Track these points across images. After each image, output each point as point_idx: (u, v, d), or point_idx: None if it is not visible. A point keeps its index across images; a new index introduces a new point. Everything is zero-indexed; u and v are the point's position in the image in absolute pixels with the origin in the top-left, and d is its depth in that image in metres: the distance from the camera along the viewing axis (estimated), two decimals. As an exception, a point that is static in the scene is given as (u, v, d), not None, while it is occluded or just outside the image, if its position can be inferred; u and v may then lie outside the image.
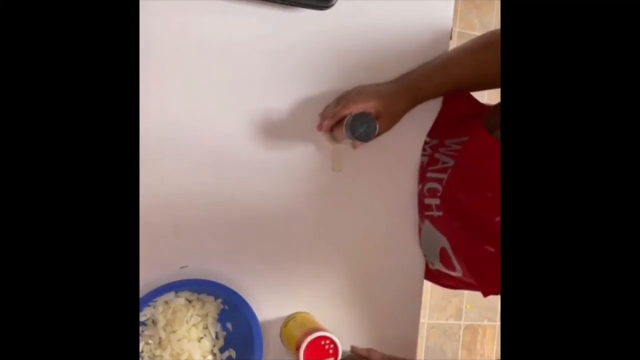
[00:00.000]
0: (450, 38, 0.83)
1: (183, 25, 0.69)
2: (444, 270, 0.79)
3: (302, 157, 0.75)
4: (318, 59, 0.75)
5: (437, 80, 0.74)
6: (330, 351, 0.66)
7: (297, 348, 0.66)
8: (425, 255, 0.81)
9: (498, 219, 0.65)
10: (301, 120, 0.74)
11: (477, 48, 0.74)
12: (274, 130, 0.73)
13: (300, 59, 0.74)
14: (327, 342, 0.66)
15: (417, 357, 0.82)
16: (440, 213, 0.75)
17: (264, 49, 0.72)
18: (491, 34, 0.74)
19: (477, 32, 1.84)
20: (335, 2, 0.71)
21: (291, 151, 0.74)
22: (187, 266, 0.70)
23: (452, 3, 0.80)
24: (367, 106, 0.69)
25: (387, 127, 0.73)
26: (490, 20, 1.87)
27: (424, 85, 0.74)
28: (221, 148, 0.72)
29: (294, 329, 0.71)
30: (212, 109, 0.71)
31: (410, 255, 0.80)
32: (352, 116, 0.65)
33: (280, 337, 0.74)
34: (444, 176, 0.74)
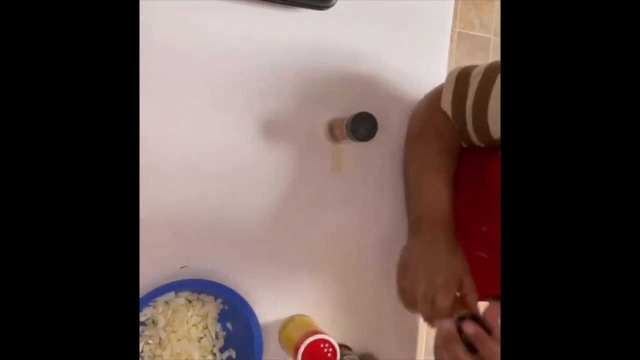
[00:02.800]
0: (450, 38, 0.83)
1: (182, 24, 0.69)
2: None
3: (302, 156, 0.75)
4: (318, 59, 0.75)
5: (444, 197, 0.69)
6: (329, 354, 0.66)
7: (296, 350, 0.65)
8: None
9: (485, 228, 0.65)
10: (301, 120, 0.74)
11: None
12: (274, 130, 0.73)
13: (300, 58, 0.74)
14: (326, 345, 0.66)
15: (417, 357, 0.82)
16: None
17: (263, 49, 0.73)
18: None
19: (477, 32, 1.84)
20: (335, 2, 0.71)
21: (291, 151, 0.74)
22: (187, 266, 0.70)
23: (452, 3, 0.80)
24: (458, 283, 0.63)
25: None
26: (490, 20, 1.87)
27: (440, 218, 0.68)
28: (221, 148, 0.72)
29: (292, 332, 0.71)
30: (211, 109, 0.71)
31: (410, 255, 0.80)
32: (353, 116, 0.65)
33: (279, 339, 0.74)
34: None
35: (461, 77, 0.64)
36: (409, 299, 0.67)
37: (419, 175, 0.71)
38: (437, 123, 0.70)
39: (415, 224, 0.71)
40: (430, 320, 0.65)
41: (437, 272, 0.64)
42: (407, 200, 0.74)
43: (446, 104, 0.65)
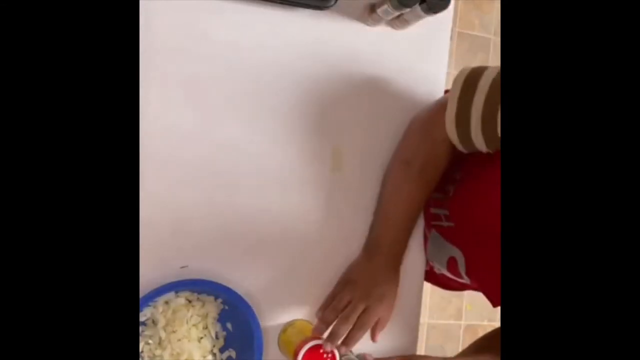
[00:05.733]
0: (451, 38, 0.83)
1: (182, 25, 0.69)
2: (451, 276, 0.79)
3: (302, 157, 0.75)
4: (318, 59, 0.75)
5: (397, 232, 0.74)
6: (328, 359, 0.66)
7: (295, 355, 0.65)
8: (430, 261, 0.80)
9: None
10: (301, 120, 0.74)
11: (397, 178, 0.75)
12: (274, 131, 0.73)
13: (300, 59, 0.74)
14: (326, 350, 0.66)
15: (417, 357, 0.82)
16: (451, 224, 0.74)
17: (263, 49, 0.72)
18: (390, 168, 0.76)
19: (477, 32, 1.84)
20: (335, 2, 0.71)
21: (291, 152, 0.74)
22: (187, 266, 0.70)
23: (452, 3, 0.80)
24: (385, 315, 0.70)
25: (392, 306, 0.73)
26: (490, 20, 1.87)
27: (394, 246, 0.74)
28: (221, 148, 0.72)
29: (292, 336, 0.70)
30: (211, 110, 0.71)
31: (410, 256, 0.80)
32: None
33: (278, 343, 0.74)
34: (451, 188, 0.74)
35: (466, 88, 0.64)
36: (332, 305, 0.71)
37: (391, 202, 0.74)
38: (425, 152, 0.72)
39: (371, 244, 0.75)
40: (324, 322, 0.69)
41: (366, 295, 0.70)
42: (375, 214, 0.76)
43: (450, 113, 0.65)
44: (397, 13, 0.71)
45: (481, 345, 0.76)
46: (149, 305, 0.68)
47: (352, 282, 0.72)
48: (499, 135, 0.60)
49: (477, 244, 0.69)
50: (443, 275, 0.82)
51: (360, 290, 0.70)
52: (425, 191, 0.73)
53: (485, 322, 1.89)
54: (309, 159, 0.75)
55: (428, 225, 0.79)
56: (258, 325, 0.69)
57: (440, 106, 0.68)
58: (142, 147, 0.66)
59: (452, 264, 0.75)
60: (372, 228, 0.76)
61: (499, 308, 0.64)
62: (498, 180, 0.64)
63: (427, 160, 0.71)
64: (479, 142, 0.64)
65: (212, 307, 0.71)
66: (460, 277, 0.75)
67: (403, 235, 0.74)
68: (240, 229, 0.73)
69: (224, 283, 0.69)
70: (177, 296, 0.69)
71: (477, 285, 0.72)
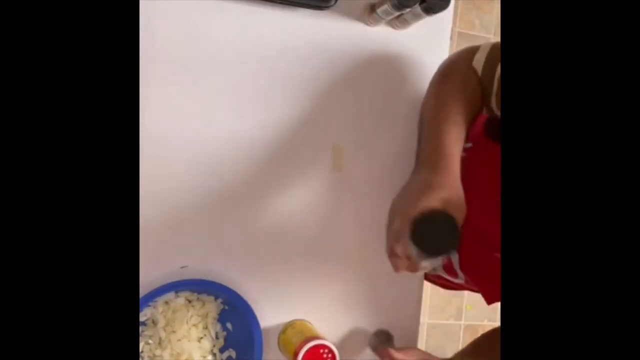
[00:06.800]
0: (450, 38, 0.83)
1: (182, 25, 0.69)
2: (446, 277, 0.79)
3: (302, 157, 0.75)
4: (318, 60, 0.75)
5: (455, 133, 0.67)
6: None
7: (295, 355, 0.65)
8: None
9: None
10: (301, 120, 0.74)
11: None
12: (274, 131, 0.73)
13: (300, 59, 0.74)
14: (326, 350, 0.66)
15: None
16: None
17: (263, 49, 0.72)
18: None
19: (477, 32, 1.85)
20: (335, 2, 0.71)
21: (291, 151, 0.74)
22: (187, 266, 0.70)
23: (452, 3, 0.80)
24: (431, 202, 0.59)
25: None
26: (490, 20, 1.87)
27: (437, 155, 0.66)
28: (221, 149, 0.72)
29: (292, 336, 0.71)
30: (212, 110, 0.71)
31: (410, 255, 0.80)
32: (415, 221, 0.49)
33: (278, 343, 0.74)
34: None
35: (497, 46, 0.66)
36: (387, 236, 0.64)
37: (434, 111, 0.70)
38: (461, 70, 0.70)
39: (416, 164, 0.72)
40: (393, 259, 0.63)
41: (403, 207, 0.61)
42: (419, 143, 0.73)
43: (478, 66, 0.67)
44: (397, 13, 0.71)
45: (480, 344, 0.76)
46: (149, 305, 0.68)
47: (391, 210, 0.65)
48: None
49: (470, 242, 0.69)
50: (439, 276, 0.82)
51: (397, 208, 0.64)
52: (468, 107, 0.68)
53: (486, 322, 1.89)
54: (309, 159, 0.75)
55: None
56: (258, 325, 0.69)
57: (468, 51, 0.71)
58: (142, 147, 0.66)
59: (447, 262, 0.75)
60: (419, 153, 0.72)
61: (499, 308, 0.64)
62: (494, 179, 0.64)
63: (465, 76, 0.69)
64: (495, 104, 0.65)
65: (212, 307, 0.71)
66: (456, 276, 0.75)
67: (448, 143, 0.66)
68: (240, 229, 0.73)
69: (224, 283, 0.69)
70: (177, 296, 0.69)
71: (472, 281, 0.73)
